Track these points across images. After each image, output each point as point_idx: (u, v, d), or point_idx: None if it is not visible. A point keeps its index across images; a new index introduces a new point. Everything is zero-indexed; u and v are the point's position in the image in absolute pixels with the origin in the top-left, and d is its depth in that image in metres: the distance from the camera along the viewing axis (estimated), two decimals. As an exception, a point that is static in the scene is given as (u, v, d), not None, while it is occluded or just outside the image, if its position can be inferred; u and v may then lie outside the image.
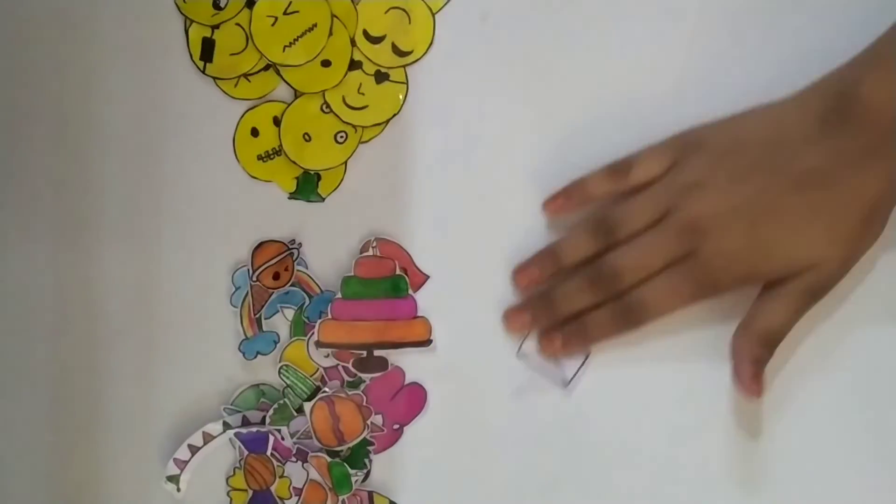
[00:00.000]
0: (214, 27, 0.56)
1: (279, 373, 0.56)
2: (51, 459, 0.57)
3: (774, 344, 0.49)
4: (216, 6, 0.56)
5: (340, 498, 0.55)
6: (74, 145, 0.57)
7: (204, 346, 0.56)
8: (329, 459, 0.55)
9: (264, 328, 0.56)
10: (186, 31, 0.57)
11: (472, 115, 0.56)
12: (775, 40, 0.54)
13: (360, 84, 0.56)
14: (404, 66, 0.56)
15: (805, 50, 0.52)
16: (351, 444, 0.55)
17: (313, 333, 0.55)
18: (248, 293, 0.56)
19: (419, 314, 0.55)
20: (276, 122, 0.56)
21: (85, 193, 0.57)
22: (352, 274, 0.55)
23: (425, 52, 0.56)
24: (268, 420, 0.55)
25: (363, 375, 0.55)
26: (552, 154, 0.55)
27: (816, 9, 0.54)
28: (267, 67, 0.56)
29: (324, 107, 0.56)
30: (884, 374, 0.53)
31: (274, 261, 0.56)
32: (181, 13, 0.57)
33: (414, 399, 0.55)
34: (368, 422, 0.55)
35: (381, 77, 0.56)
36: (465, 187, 0.56)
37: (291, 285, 0.56)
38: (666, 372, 0.54)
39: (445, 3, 0.56)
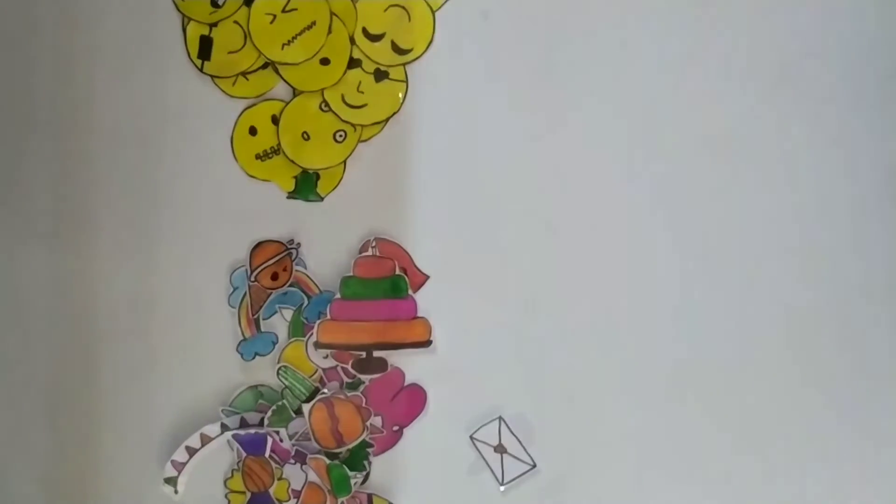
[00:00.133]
0: (212, 25, 0.56)
1: (278, 374, 0.55)
2: (49, 460, 0.57)
3: None
4: (214, 4, 0.56)
5: (339, 500, 0.55)
6: (73, 144, 0.57)
7: (202, 346, 0.56)
8: (328, 461, 0.55)
9: (263, 329, 0.56)
10: (184, 29, 0.56)
11: (472, 113, 0.55)
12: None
13: (360, 82, 0.56)
14: (404, 65, 0.56)
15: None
16: (350, 446, 0.55)
17: (312, 334, 0.55)
18: (246, 293, 0.56)
19: (419, 314, 0.55)
20: (275, 120, 0.56)
21: (83, 193, 0.57)
22: (351, 274, 0.55)
23: (425, 51, 0.55)
24: (266, 421, 0.55)
25: (362, 376, 0.55)
26: (552, 153, 0.55)
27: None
28: (265, 66, 0.56)
29: (323, 105, 0.56)
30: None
31: (272, 261, 0.56)
32: (179, 11, 0.56)
33: (414, 400, 0.55)
34: (368, 423, 0.55)
35: (380, 75, 0.56)
36: (466, 186, 0.55)
37: (290, 285, 0.56)
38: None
39: (445, 1, 0.55)
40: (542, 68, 0.55)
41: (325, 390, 0.55)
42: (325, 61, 0.56)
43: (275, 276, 0.56)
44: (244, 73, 0.56)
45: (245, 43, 0.56)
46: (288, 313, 0.56)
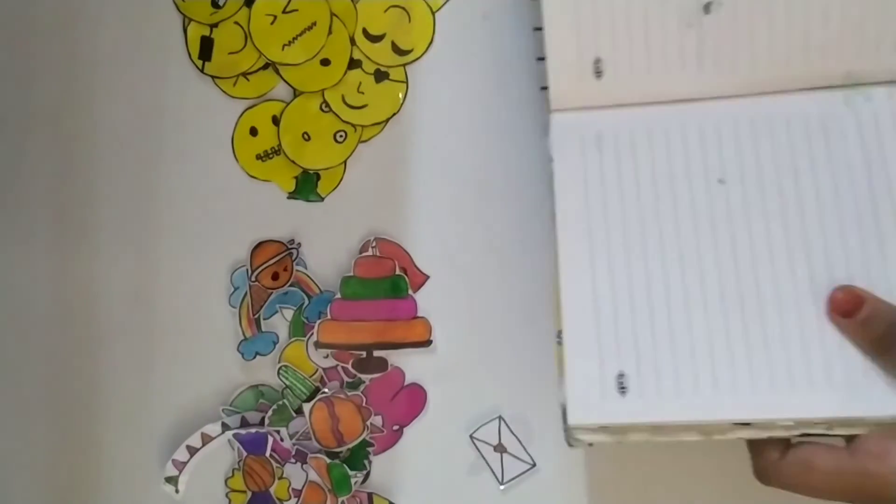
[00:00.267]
0: (213, 26, 0.56)
1: (278, 373, 0.55)
2: (49, 460, 0.57)
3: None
4: (215, 5, 0.56)
5: (340, 499, 0.55)
6: (73, 145, 0.57)
7: (202, 346, 0.56)
8: (328, 461, 0.55)
9: (263, 329, 0.56)
10: (185, 30, 0.57)
11: (471, 113, 0.55)
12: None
13: (360, 83, 0.56)
14: (404, 65, 0.56)
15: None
16: (350, 446, 0.55)
17: (312, 334, 0.55)
18: (246, 293, 0.56)
19: (419, 314, 0.55)
20: (276, 121, 0.56)
21: (83, 193, 0.57)
22: (351, 274, 0.55)
23: (425, 51, 0.56)
24: (267, 421, 0.55)
25: (363, 376, 0.55)
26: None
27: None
28: (266, 66, 0.56)
29: (323, 106, 0.56)
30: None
31: (273, 261, 0.56)
32: (180, 12, 0.56)
33: (414, 400, 0.55)
34: (368, 423, 0.55)
35: (380, 76, 0.56)
36: (466, 186, 0.55)
37: (290, 285, 0.56)
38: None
39: (445, 2, 0.55)
40: (542, 68, 0.55)
41: (326, 390, 0.55)
42: (325, 62, 0.56)
43: (275, 276, 0.56)
44: (245, 74, 0.56)
45: (246, 44, 0.56)
46: (288, 313, 0.56)
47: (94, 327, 0.57)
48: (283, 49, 0.55)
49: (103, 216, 0.57)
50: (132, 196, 0.57)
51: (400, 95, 0.56)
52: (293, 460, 0.55)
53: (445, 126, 0.55)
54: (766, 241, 0.46)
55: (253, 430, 0.55)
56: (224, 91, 0.56)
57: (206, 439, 0.55)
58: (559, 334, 0.46)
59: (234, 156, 0.56)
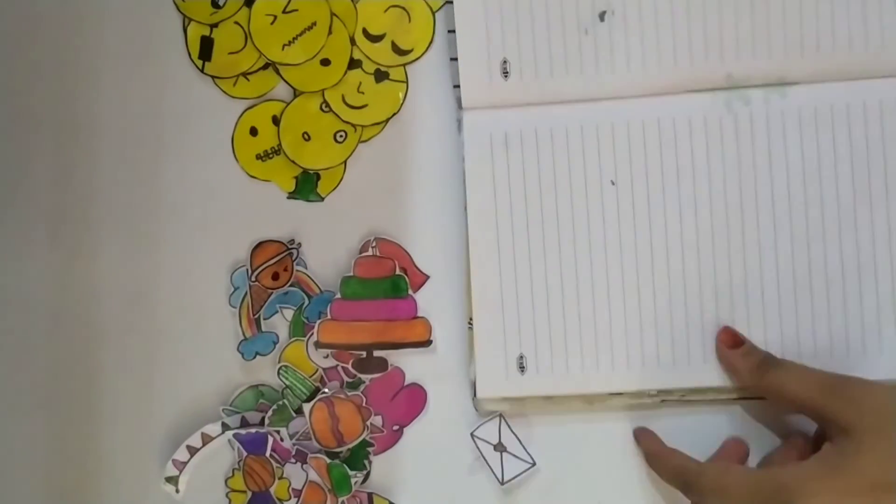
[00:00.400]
0: (213, 26, 0.56)
1: (278, 373, 0.55)
2: (49, 460, 0.57)
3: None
4: (215, 5, 0.56)
5: (340, 499, 0.55)
6: (74, 145, 0.57)
7: (202, 346, 0.56)
8: (328, 461, 0.55)
9: (263, 329, 0.56)
10: (185, 30, 0.56)
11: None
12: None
13: (360, 83, 0.56)
14: (404, 65, 0.56)
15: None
16: (350, 446, 0.55)
17: (312, 334, 0.55)
18: (247, 293, 0.56)
19: (419, 314, 0.55)
20: (276, 121, 0.56)
21: (84, 193, 0.57)
22: (351, 274, 0.55)
23: (425, 51, 0.56)
24: (267, 421, 0.55)
25: (363, 376, 0.55)
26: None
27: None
28: (266, 66, 0.56)
29: (323, 106, 0.56)
30: None
31: (273, 261, 0.56)
32: (180, 12, 0.56)
33: (414, 400, 0.55)
34: (368, 423, 0.55)
35: (380, 76, 0.56)
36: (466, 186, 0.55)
37: (290, 285, 0.56)
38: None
39: (445, 2, 0.55)
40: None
41: (326, 390, 0.55)
42: (325, 62, 0.56)
43: (275, 276, 0.56)
44: (245, 74, 0.56)
45: (246, 44, 0.56)
46: (288, 313, 0.56)
47: (94, 327, 0.57)
48: (283, 49, 0.55)
49: (103, 216, 0.57)
50: (132, 196, 0.57)
51: (400, 95, 0.56)
52: (293, 460, 0.55)
53: (445, 126, 0.55)
54: (648, 239, 0.52)
55: (253, 430, 0.55)
56: (224, 91, 0.56)
57: (206, 439, 0.55)
58: (470, 321, 0.54)
59: (234, 156, 0.56)
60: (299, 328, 0.56)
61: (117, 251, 0.57)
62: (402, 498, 0.55)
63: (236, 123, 0.56)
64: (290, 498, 0.55)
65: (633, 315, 0.53)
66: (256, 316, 0.56)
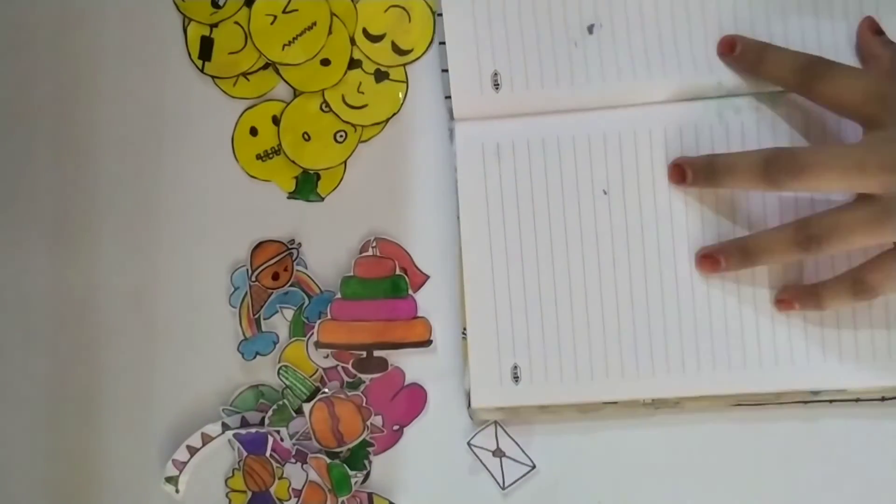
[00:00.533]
0: (213, 26, 0.56)
1: (278, 373, 0.55)
2: (49, 460, 0.57)
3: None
4: (215, 5, 0.56)
5: (340, 499, 0.55)
6: (74, 145, 0.57)
7: (202, 346, 0.56)
8: (328, 461, 0.55)
9: (263, 329, 0.56)
10: (185, 30, 0.57)
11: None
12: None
13: (360, 83, 0.56)
14: (404, 65, 0.56)
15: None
16: (350, 446, 0.55)
17: (313, 334, 0.55)
18: (247, 293, 0.56)
19: (419, 314, 0.55)
20: (276, 121, 0.56)
21: (84, 193, 0.57)
22: (351, 274, 0.55)
23: (425, 51, 0.56)
24: (267, 421, 0.55)
25: (363, 376, 0.55)
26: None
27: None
28: (266, 66, 0.56)
29: (323, 106, 0.56)
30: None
31: (273, 261, 0.56)
32: (180, 12, 0.56)
33: (414, 400, 0.55)
34: (368, 423, 0.55)
35: (380, 76, 0.56)
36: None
37: (291, 285, 0.56)
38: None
39: (445, 2, 0.55)
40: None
41: (326, 390, 0.55)
42: (325, 62, 0.56)
43: (275, 276, 0.56)
44: (245, 74, 0.56)
45: (246, 44, 0.56)
46: (289, 313, 0.56)
47: (94, 327, 0.57)
48: (283, 49, 0.55)
49: (103, 216, 0.57)
50: (132, 196, 0.57)
51: (400, 95, 0.56)
52: (293, 460, 0.55)
53: (445, 126, 0.55)
54: (641, 248, 0.52)
55: (253, 430, 0.55)
56: (224, 91, 0.56)
57: (206, 439, 0.55)
58: (464, 331, 0.54)
59: (234, 156, 0.56)
60: (299, 328, 0.56)
61: (117, 251, 0.57)
62: (402, 498, 0.55)
63: (236, 123, 0.56)
64: (290, 498, 0.55)
65: (627, 323, 0.52)
66: (256, 316, 0.56)
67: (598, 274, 0.53)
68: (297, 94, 0.56)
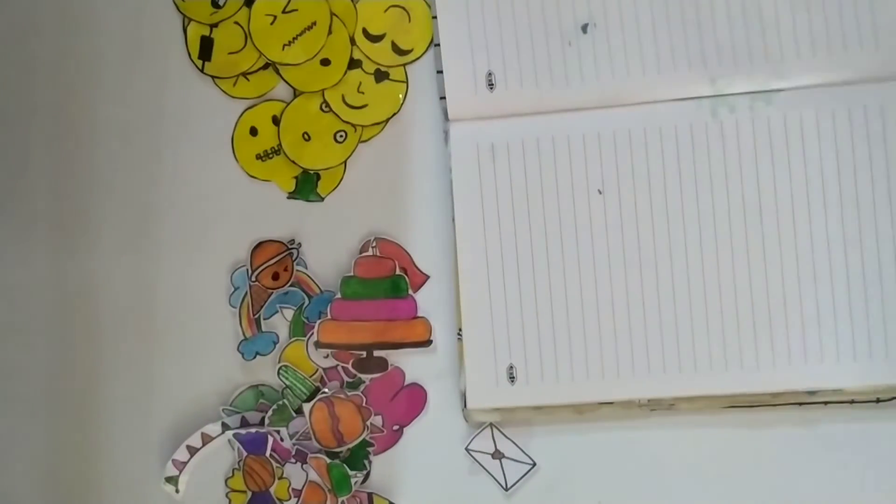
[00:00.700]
0: (213, 26, 0.56)
1: (278, 373, 0.56)
2: (49, 460, 0.57)
3: None
4: (215, 5, 0.56)
5: (340, 499, 0.55)
6: (74, 145, 0.57)
7: (202, 346, 0.56)
8: (328, 461, 0.55)
9: (263, 328, 0.56)
10: (185, 30, 0.56)
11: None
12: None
13: (360, 83, 0.56)
14: (404, 65, 0.56)
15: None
16: (350, 446, 0.55)
17: (313, 334, 0.55)
18: (247, 293, 0.56)
19: (419, 314, 0.55)
20: (276, 121, 0.56)
21: (84, 193, 0.57)
22: (351, 274, 0.55)
23: (425, 51, 0.56)
24: (267, 421, 0.55)
25: (363, 376, 0.55)
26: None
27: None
28: (266, 66, 0.56)
29: (323, 106, 0.56)
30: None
31: (273, 261, 0.56)
32: (180, 12, 0.56)
33: (414, 400, 0.55)
34: (368, 423, 0.55)
35: (380, 76, 0.56)
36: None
37: (291, 285, 0.56)
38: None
39: (445, 2, 0.55)
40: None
41: (326, 390, 0.55)
42: (325, 62, 0.56)
43: (276, 276, 0.56)
44: (245, 74, 0.56)
45: (246, 44, 0.56)
46: (289, 313, 0.56)
47: (94, 327, 0.57)
48: (283, 49, 0.55)
49: (103, 216, 0.57)
50: (132, 196, 0.57)
51: (400, 95, 0.56)
52: (293, 460, 0.55)
53: (445, 126, 0.55)
54: (636, 247, 0.52)
55: (253, 430, 0.55)
56: (224, 91, 0.56)
57: (206, 439, 0.55)
58: (460, 332, 0.53)
59: (234, 156, 0.56)
60: (299, 328, 0.56)
61: (117, 251, 0.57)
62: (402, 498, 0.55)
63: (236, 123, 0.56)
64: (290, 498, 0.55)
65: (622, 323, 0.53)
66: (256, 316, 0.56)
67: (593, 274, 0.53)
68: (297, 94, 0.56)
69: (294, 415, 0.55)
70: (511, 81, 0.54)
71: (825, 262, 0.52)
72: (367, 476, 0.55)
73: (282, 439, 0.55)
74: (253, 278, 0.56)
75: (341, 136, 0.56)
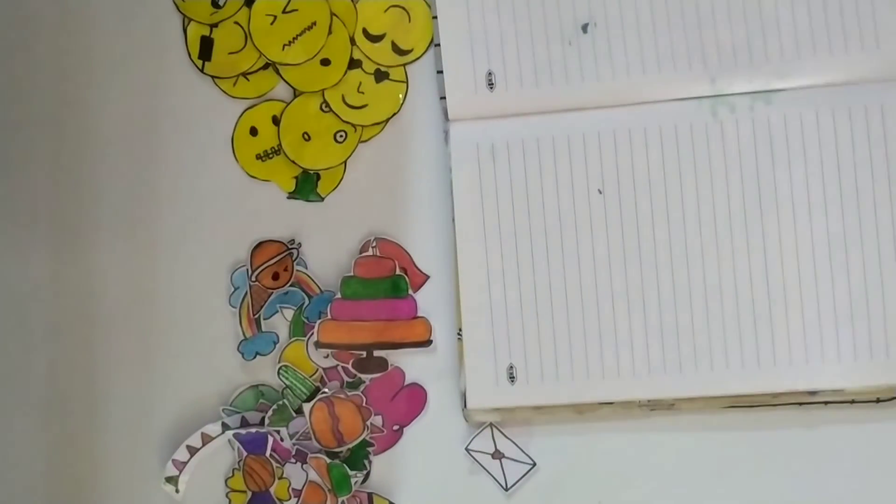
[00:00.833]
0: (213, 26, 0.56)
1: (278, 373, 0.56)
2: (49, 460, 0.57)
3: None
4: (215, 5, 0.56)
5: (340, 499, 0.55)
6: (73, 145, 0.57)
7: (203, 346, 0.56)
8: (328, 461, 0.55)
9: (263, 328, 0.56)
10: (185, 30, 0.56)
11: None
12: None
13: (360, 83, 0.56)
14: (404, 65, 0.56)
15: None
16: (350, 445, 0.55)
17: (313, 334, 0.55)
18: (247, 293, 0.56)
19: (419, 314, 0.55)
20: (276, 121, 0.56)
21: (84, 193, 0.57)
22: (351, 274, 0.55)
23: (425, 51, 0.56)
24: (267, 421, 0.55)
25: (363, 376, 0.55)
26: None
27: None
28: (266, 66, 0.56)
29: (323, 106, 0.56)
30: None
31: (273, 261, 0.56)
32: (180, 11, 0.56)
33: (414, 399, 0.55)
34: (368, 423, 0.55)
35: (380, 76, 0.56)
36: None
37: (291, 285, 0.56)
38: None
39: (445, 2, 0.55)
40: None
41: (326, 390, 0.55)
42: (325, 62, 0.56)
43: (276, 276, 0.56)
44: (245, 74, 0.56)
45: (246, 43, 0.56)
46: (289, 313, 0.56)
47: (94, 327, 0.57)
48: (283, 49, 0.55)
49: (103, 216, 0.57)
50: (132, 196, 0.57)
51: (400, 95, 0.56)
52: (293, 460, 0.55)
53: (443, 126, 0.55)
54: (636, 247, 0.52)
55: (253, 430, 0.55)
56: (224, 91, 0.56)
57: (206, 439, 0.55)
58: (460, 332, 0.53)
59: (234, 156, 0.56)
60: (299, 328, 0.56)
61: (117, 251, 0.57)
62: (403, 498, 0.55)
63: (236, 123, 0.56)
64: (290, 498, 0.55)
65: (622, 323, 0.53)
66: (256, 316, 0.56)
67: (593, 273, 0.53)
68: (297, 94, 0.56)
69: (294, 415, 0.55)
70: (511, 81, 0.54)
71: (825, 262, 0.52)
72: (367, 476, 0.55)
73: (282, 439, 0.55)
74: (253, 278, 0.56)
75: (341, 136, 0.56)
